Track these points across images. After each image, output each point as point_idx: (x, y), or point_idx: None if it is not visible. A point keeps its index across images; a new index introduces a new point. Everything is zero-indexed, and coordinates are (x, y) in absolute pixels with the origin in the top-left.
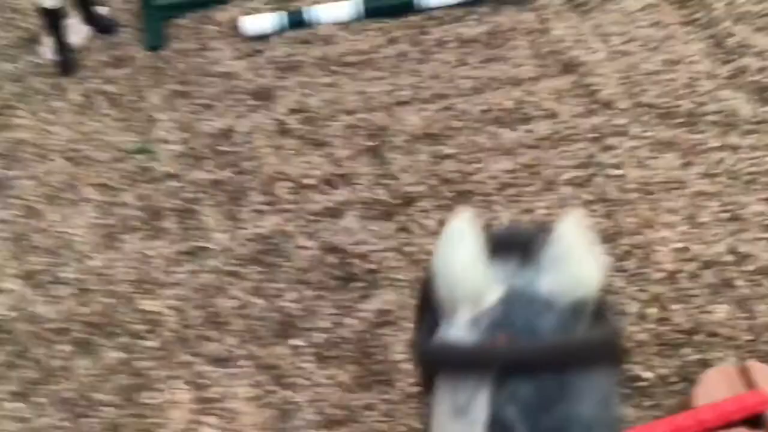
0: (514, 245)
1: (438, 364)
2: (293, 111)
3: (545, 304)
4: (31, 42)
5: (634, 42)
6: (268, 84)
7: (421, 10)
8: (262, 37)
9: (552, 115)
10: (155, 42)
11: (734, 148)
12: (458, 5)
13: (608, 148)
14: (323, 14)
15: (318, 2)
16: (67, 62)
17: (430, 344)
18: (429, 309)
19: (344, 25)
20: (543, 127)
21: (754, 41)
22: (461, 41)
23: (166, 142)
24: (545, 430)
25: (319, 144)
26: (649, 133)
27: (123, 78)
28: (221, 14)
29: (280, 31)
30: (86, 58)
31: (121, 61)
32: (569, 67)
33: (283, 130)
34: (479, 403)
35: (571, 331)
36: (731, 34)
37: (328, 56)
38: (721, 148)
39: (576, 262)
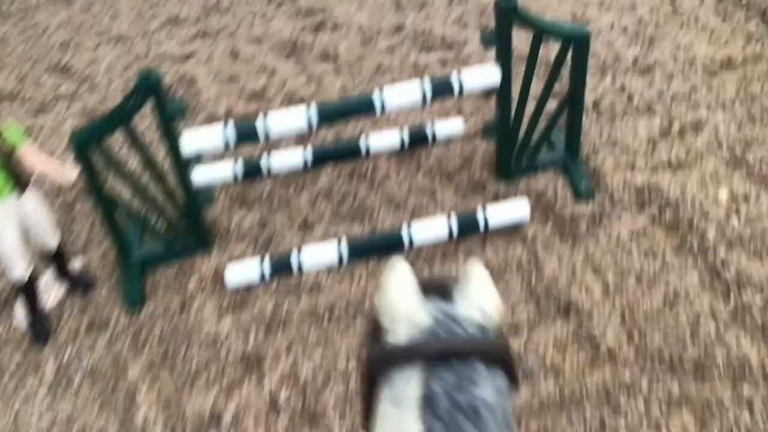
0: (436, 289)
1: (383, 361)
2: (284, 380)
3: (460, 323)
4: (1, 308)
5: (629, 275)
6: (255, 348)
7: (408, 246)
8: (248, 288)
9: (555, 370)
10: (135, 300)
11: (749, 404)
12: (445, 240)
13: (619, 410)
14: (308, 259)
15: (303, 244)
16: (41, 330)
17: (377, 350)
18: (376, 338)
19: (331, 270)
20: (548, 386)
21: (752, 270)
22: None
23: (147, 425)
24: (460, 404)
25: (314, 419)
26: (659, 389)
27: (101, 346)
28: (204, 264)
29: (265, 280)
30: (61, 322)
31: (98, 324)
32: (567, 308)
33: (275, 406)
34: (412, 389)
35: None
36: (727, 263)
37: (316, 308)
38: (736, 404)
39: (480, 296)
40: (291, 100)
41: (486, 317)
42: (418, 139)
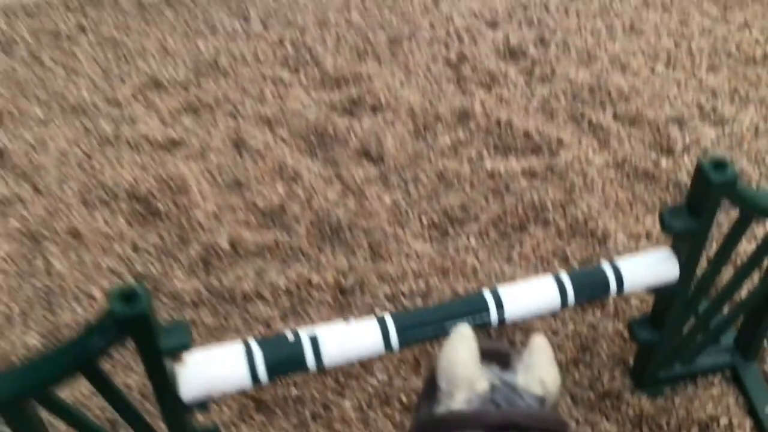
0: (496, 356)
1: (442, 423)
2: None
3: (519, 393)
4: None
5: None
6: None
7: None
8: None
9: None
10: None
11: None
12: None
13: None
14: None
15: None
16: None
17: (434, 413)
18: (432, 396)
19: None
20: None
21: None
22: None
23: None
24: None
25: None
26: None
27: None
28: None
29: None
30: None
31: None
32: None
33: None
34: None
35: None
36: None
37: None
38: None
39: (541, 368)
40: (321, 226)
41: (545, 390)
42: None
